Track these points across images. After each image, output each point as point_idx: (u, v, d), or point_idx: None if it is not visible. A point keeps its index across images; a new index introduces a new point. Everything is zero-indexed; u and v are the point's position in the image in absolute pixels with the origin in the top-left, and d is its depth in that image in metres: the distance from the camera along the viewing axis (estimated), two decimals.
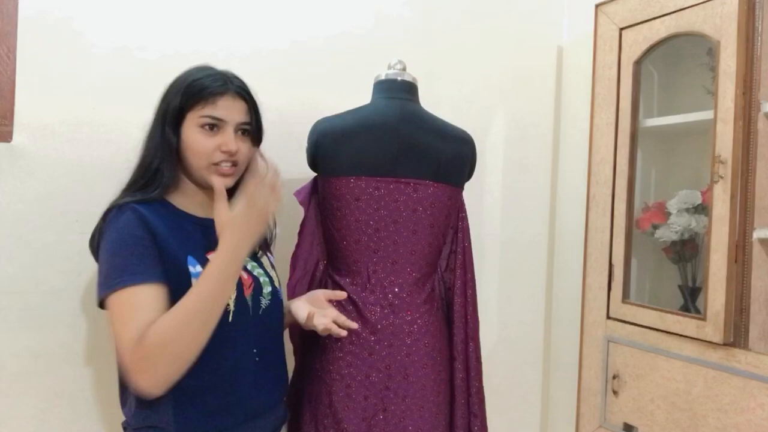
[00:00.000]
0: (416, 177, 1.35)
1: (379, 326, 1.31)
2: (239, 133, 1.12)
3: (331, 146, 1.35)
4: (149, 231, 1.02)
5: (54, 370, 1.35)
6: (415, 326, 1.34)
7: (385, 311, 1.32)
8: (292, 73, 1.61)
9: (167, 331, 0.93)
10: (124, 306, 0.97)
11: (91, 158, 1.37)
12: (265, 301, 1.17)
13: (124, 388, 1.10)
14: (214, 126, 1.09)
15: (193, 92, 1.09)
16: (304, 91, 1.61)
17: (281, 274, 1.29)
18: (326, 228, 1.39)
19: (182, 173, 1.14)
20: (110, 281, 0.99)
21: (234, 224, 1.01)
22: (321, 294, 1.25)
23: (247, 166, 1.14)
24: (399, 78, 1.40)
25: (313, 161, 1.39)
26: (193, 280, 1.02)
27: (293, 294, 1.39)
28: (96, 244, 1.08)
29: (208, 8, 1.50)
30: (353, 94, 1.46)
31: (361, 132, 1.35)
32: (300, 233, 1.42)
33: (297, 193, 1.43)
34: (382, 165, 1.34)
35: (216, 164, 1.10)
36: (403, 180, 1.34)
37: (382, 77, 1.41)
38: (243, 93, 1.13)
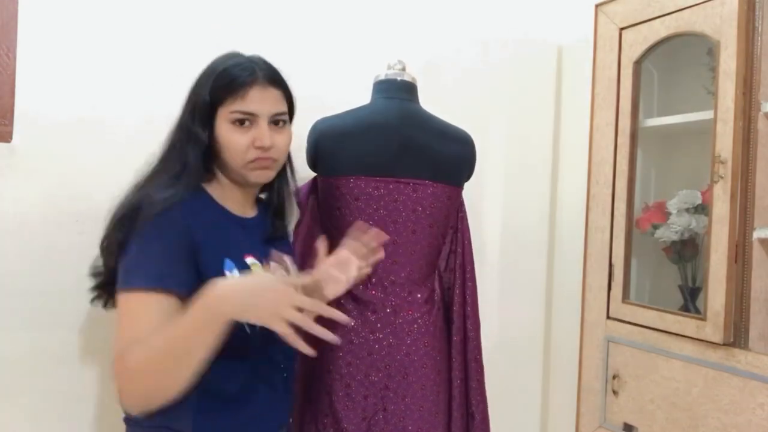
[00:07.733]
0: (416, 177, 1.35)
1: (378, 325, 1.31)
2: (273, 124, 1.04)
3: (331, 146, 1.35)
4: (190, 235, 0.94)
5: (54, 370, 1.35)
6: (415, 326, 1.34)
7: (386, 311, 1.32)
8: (292, 72, 1.61)
9: (142, 361, 0.85)
10: (131, 309, 0.90)
11: (91, 158, 1.37)
12: None
13: None
14: (245, 121, 1.01)
15: (221, 85, 1.00)
16: (304, 91, 1.61)
17: None
18: (326, 228, 1.39)
19: (218, 169, 1.06)
20: (129, 277, 0.91)
21: (241, 294, 0.87)
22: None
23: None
24: (399, 78, 1.40)
25: (313, 161, 1.39)
26: None
27: None
28: (122, 237, 0.95)
29: (209, 9, 1.50)
30: (353, 94, 1.46)
31: (360, 132, 1.35)
32: (295, 232, 1.42)
33: (295, 193, 1.43)
34: (382, 165, 1.34)
35: (252, 161, 1.02)
36: (402, 180, 1.34)
37: (382, 77, 1.41)
38: (274, 80, 1.04)
